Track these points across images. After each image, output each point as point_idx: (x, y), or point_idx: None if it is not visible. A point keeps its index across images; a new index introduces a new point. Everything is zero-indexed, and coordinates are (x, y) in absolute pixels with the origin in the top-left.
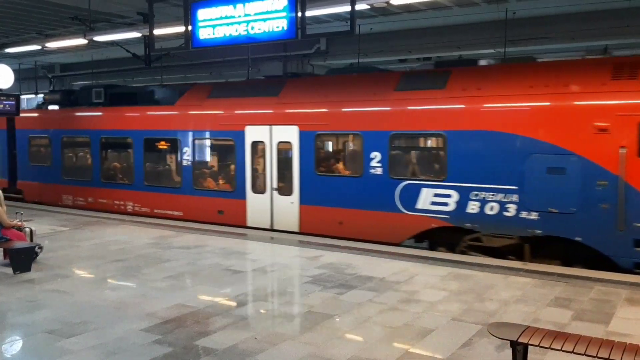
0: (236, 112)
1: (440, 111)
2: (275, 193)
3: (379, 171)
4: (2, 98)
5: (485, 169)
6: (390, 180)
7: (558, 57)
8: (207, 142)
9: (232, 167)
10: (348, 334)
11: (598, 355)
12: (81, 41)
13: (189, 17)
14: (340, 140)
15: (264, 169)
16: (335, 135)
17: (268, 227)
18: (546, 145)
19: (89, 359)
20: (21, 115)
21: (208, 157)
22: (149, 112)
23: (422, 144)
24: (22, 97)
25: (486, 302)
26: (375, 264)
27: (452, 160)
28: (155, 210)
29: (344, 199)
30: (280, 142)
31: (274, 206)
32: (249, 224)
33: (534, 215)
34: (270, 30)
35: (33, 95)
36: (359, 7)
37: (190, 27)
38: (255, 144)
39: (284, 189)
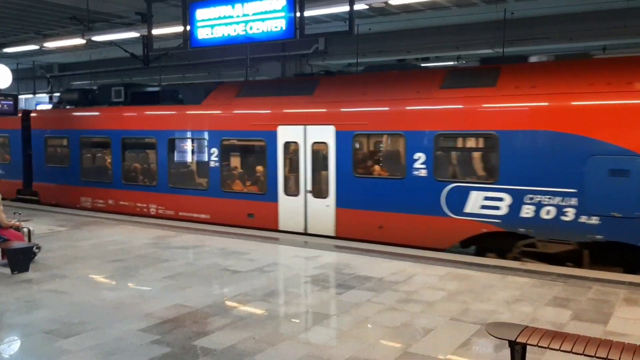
0: (267, 111)
1: (491, 110)
2: (309, 196)
3: (423, 173)
4: (0, 98)
5: (541, 171)
6: (436, 182)
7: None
8: (237, 143)
9: (263, 168)
10: (347, 334)
11: (596, 355)
12: (79, 41)
13: (187, 17)
14: (381, 140)
15: (297, 171)
16: (375, 136)
17: (301, 231)
18: (608, 147)
19: (87, 359)
20: (37, 114)
21: (237, 158)
22: (173, 112)
23: (471, 145)
24: (19, 97)
25: (484, 302)
26: (373, 264)
27: (504, 161)
28: (181, 213)
29: (384, 202)
30: (315, 143)
31: (308, 209)
32: (281, 227)
33: (594, 220)
34: (269, 30)
35: (31, 95)
36: (358, 7)
37: (188, 27)
38: (287, 145)
39: (319, 191)
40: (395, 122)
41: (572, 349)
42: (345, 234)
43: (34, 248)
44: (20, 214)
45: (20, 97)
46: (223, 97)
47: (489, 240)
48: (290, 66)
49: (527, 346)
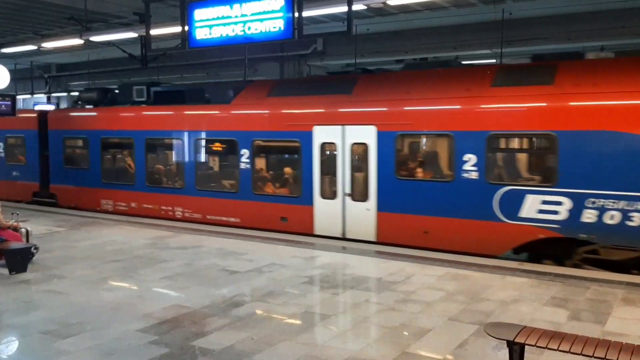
0: (302, 111)
1: (549, 109)
2: (347, 199)
3: (473, 175)
4: None
5: (605, 173)
6: (488, 185)
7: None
8: (269, 144)
9: (297, 170)
10: (345, 335)
11: (594, 355)
12: (77, 41)
13: (185, 17)
14: (427, 141)
15: (334, 173)
16: (420, 136)
17: (339, 235)
18: None
19: None
20: (55, 114)
21: (270, 159)
22: (201, 112)
23: (527, 146)
24: (17, 97)
25: (483, 302)
26: (372, 264)
27: (564, 163)
28: (209, 217)
29: (430, 206)
30: (355, 144)
31: (346, 213)
32: (317, 232)
33: None
34: (267, 30)
35: (29, 96)
36: (356, 7)
37: (187, 28)
38: (324, 146)
39: (359, 194)
40: (443, 121)
41: (570, 349)
42: (387, 240)
43: (32, 248)
44: (18, 214)
45: (18, 97)
46: (254, 96)
47: (546, 246)
48: (288, 67)
49: (526, 346)
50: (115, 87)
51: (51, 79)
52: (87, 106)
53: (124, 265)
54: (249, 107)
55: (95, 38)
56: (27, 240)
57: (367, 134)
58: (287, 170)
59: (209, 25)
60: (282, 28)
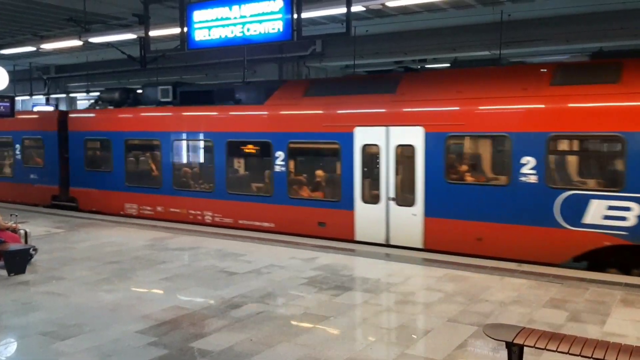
0: (342, 111)
1: (615, 109)
2: (392, 203)
3: (532, 179)
4: None
5: None
6: (548, 189)
7: (554, 59)
8: (306, 146)
9: (337, 173)
10: (344, 336)
11: (593, 356)
12: (76, 43)
13: (184, 19)
14: (480, 143)
15: (377, 176)
16: (472, 138)
17: (382, 242)
18: None
19: None
20: (76, 115)
21: (307, 162)
22: (232, 113)
23: (591, 148)
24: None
25: (482, 303)
26: (370, 266)
27: (632, 166)
28: (241, 221)
29: (484, 212)
30: (400, 146)
31: (390, 218)
32: (357, 238)
33: None
34: (266, 31)
35: (28, 97)
36: (355, 8)
37: (185, 29)
38: (366, 148)
39: (404, 198)
40: (498, 122)
41: (569, 350)
42: (436, 246)
43: (31, 250)
44: (17, 215)
45: (16, 98)
46: (289, 96)
47: (612, 254)
48: (287, 68)
49: (524, 347)
50: (139, 87)
51: (50, 81)
52: (109, 107)
53: (122, 267)
54: (284, 108)
55: (94, 39)
56: (26, 242)
57: (414, 136)
58: (326, 173)
59: (208, 27)
60: (281, 29)
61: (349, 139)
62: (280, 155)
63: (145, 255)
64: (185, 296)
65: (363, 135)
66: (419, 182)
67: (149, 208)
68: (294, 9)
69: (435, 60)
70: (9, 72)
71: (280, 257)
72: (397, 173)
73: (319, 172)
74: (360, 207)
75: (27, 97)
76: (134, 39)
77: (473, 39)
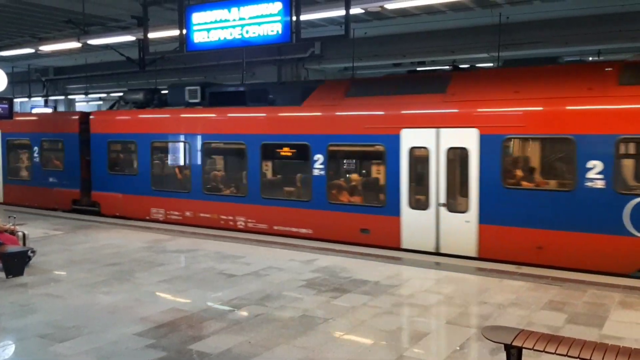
0: (388, 112)
1: None
2: (442, 209)
3: (599, 184)
4: None
5: None
6: (618, 195)
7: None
8: (347, 148)
9: (381, 177)
10: (342, 338)
11: (592, 359)
12: (75, 44)
13: (183, 21)
14: (540, 146)
15: (425, 181)
16: (532, 140)
17: (431, 250)
18: None
19: None
20: (98, 117)
21: (348, 165)
22: (266, 114)
23: None
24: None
25: (480, 305)
26: (369, 268)
27: None
28: (276, 227)
29: (545, 219)
30: (452, 148)
31: (440, 225)
32: (404, 246)
33: None
34: (265, 34)
35: (26, 99)
36: (354, 11)
37: (184, 31)
38: (413, 150)
39: (456, 204)
40: (562, 124)
41: (567, 352)
42: (491, 255)
43: (29, 252)
44: (15, 217)
45: (15, 100)
46: (329, 97)
47: None
48: (286, 70)
49: (523, 350)
50: (164, 87)
51: (48, 82)
52: (132, 108)
53: (121, 269)
54: (323, 109)
55: (93, 41)
56: (24, 244)
57: (468, 138)
58: (368, 177)
59: (207, 29)
60: (280, 32)
61: (395, 141)
62: (319, 158)
63: (143, 258)
64: (184, 298)
65: (410, 138)
66: (473, 187)
67: (176, 213)
68: (293, 11)
69: (434, 63)
70: (7, 73)
71: (279, 259)
72: (448, 177)
73: (361, 176)
74: (407, 213)
75: (26, 99)
76: (132, 41)
77: (471, 42)
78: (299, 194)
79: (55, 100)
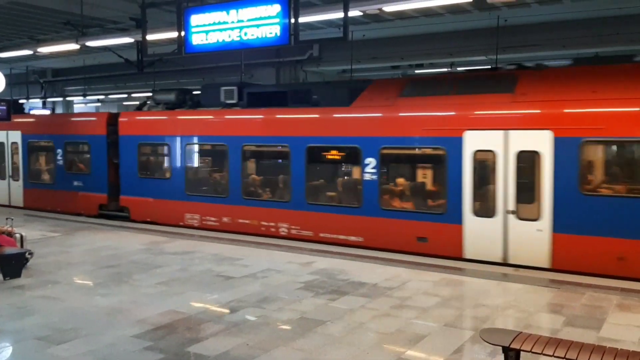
0: (449, 113)
1: None
2: (511, 217)
3: None
4: None
5: None
6: None
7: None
8: (402, 151)
9: (441, 181)
10: (340, 340)
11: None
12: (73, 46)
13: (182, 23)
14: (622, 149)
15: (492, 186)
16: (615, 143)
17: (498, 260)
18: None
19: None
20: (127, 118)
21: (403, 169)
22: (313, 115)
23: None
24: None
25: (478, 308)
26: (367, 270)
27: None
28: (322, 235)
29: (628, 228)
30: (522, 152)
31: (508, 234)
32: (467, 255)
33: None
34: (264, 36)
35: (24, 101)
36: (352, 13)
37: (183, 33)
38: (478, 154)
39: (527, 211)
40: None
41: (565, 354)
42: (566, 266)
43: (27, 254)
44: (12, 219)
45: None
46: (381, 97)
47: None
48: (284, 72)
49: (521, 352)
50: (197, 87)
51: (47, 84)
52: (163, 109)
53: (118, 271)
54: (375, 110)
55: (91, 43)
56: (22, 246)
57: (540, 141)
58: (426, 181)
59: (206, 31)
60: (279, 34)
61: (457, 144)
62: (370, 161)
63: (141, 260)
64: (182, 300)
65: (475, 140)
66: (546, 194)
67: (213, 219)
68: (292, 14)
69: (432, 65)
70: (5, 75)
71: (277, 261)
72: (517, 183)
73: (418, 181)
74: (471, 221)
75: (24, 101)
76: (131, 43)
77: (469, 44)
78: (348, 199)
79: (54, 102)
